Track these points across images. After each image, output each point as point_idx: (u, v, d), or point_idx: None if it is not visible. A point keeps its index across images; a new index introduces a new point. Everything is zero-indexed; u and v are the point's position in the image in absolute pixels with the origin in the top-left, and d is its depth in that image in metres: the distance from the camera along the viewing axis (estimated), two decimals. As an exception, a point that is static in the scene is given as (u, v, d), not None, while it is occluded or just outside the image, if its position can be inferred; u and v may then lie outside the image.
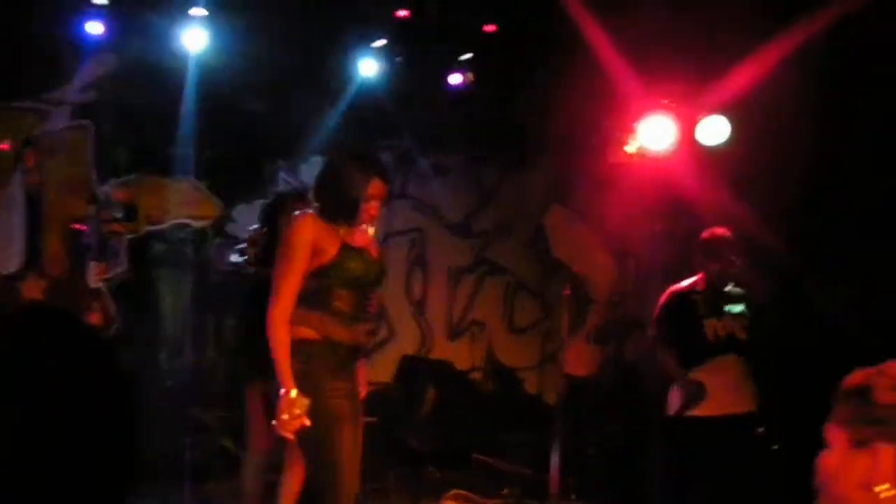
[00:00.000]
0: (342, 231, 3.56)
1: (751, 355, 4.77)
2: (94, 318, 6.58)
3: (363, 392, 3.76)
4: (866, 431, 1.54)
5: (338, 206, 3.53)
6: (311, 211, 3.57)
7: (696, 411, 4.69)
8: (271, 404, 4.38)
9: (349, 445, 3.47)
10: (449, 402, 7.22)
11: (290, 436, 3.36)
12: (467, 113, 7.07)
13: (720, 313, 4.77)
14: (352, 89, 6.85)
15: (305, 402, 3.34)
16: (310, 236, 3.47)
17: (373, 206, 3.55)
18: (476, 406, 7.32)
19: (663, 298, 4.95)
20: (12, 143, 6.40)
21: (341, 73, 6.82)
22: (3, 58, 6.20)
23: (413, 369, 7.35)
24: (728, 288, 4.84)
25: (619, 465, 6.23)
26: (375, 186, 3.55)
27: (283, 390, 3.37)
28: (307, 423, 3.34)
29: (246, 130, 6.80)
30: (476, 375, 7.57)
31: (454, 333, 7.58)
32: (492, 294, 7.66)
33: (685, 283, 4.92)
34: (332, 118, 6.83)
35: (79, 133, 6.59)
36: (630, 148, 6.27)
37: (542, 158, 7.48)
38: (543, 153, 7.44)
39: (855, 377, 1.60)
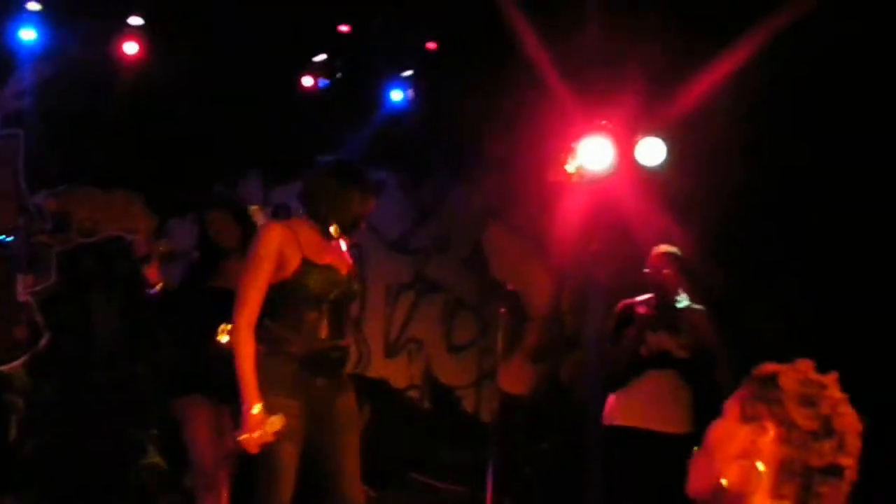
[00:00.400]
0: (311, 244, 3.52)
1: (689, 374, 4.80)
2: (20, 332, 6.42)
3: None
4: (759, 408, 1.61)
5: (337, 218, 3.54)
6: (277, 221, 3.61)
7: (623, 420, 4.73)
8: (214, 421, 4.31)
9: (287, 464, 3.40)
10: (385, 421, 7.16)
11: (255, 451, 3.30)
12: (407, 129, 7.06)
13: (657, 328, 4.82)
14: (291, 103, 6.80)
15: (275, 418, 3.29)
16: (276, 246, 3.42)
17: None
18: (412, 424, 7.28)
19: (616, 309, 5.01)
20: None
21: (280, 86, 6.76)
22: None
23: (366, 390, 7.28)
24: (682, 304, 4.88)
25: (553, 482, 6.24)
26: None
27: (248, 406, 3.29)
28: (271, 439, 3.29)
29: (183, 143, 6.70)
30: (413, 393, 7.53)
31: (391, 351, 7.54)
32: (430, 311, 7.64)
33: (640, 297, 4.97)
34: (270, 132, 6.76)
35: (10, 142, 6.42)
36: (570, 167, 6.31)
37: (480, 176, 7.50)
38: (482, 171, 7.46)
39: (767, 366, 1.66)
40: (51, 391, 6.41)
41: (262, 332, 3.44)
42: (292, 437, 3.40)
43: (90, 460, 5.97)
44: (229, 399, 4.01)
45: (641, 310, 4.89)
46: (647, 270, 4.92)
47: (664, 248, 4.92)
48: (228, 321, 4.22)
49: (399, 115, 7.03)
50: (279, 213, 5.92)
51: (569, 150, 6.33)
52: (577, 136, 6.26)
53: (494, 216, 7.72)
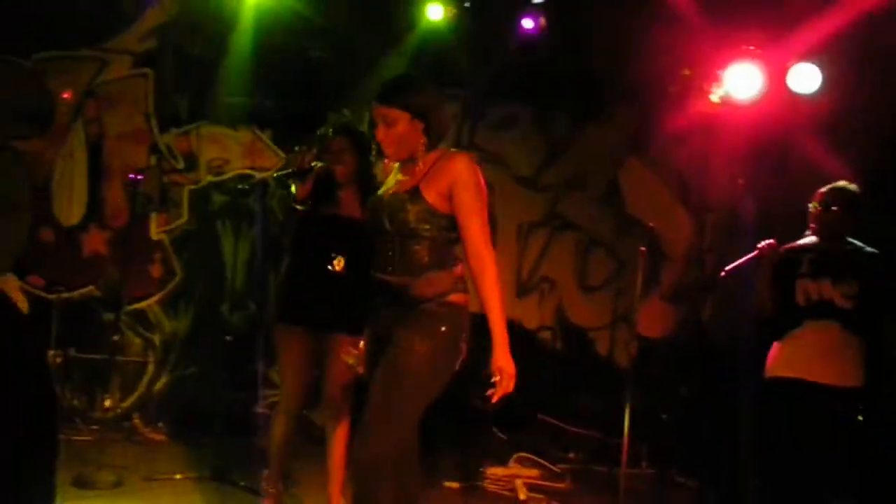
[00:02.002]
0: (387, 171, 3.44)
1: (855, 325, 4.31)
2: (155, 270, 6.52)
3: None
4: None
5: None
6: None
7: (788, 372, 4.32)
8: (310, 350, 4.21)
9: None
10: (515, 362, 6.98)
11: None
12: (539, 60, 6.73)
13: (818, 275, 4.34)
14: (418, 35, 6.59)
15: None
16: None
17: (376, 138, 3.33)
18: (544, 366, 7.07)
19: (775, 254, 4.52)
20: (73, 93, 6.30)
21: (407, 17, 6.55)
22: (63, 7, 6.09)
23: (479, 328, 7.11)
24: (852, 248, 4.39)
25: (693, 431, 5.94)
26: (375, 114, 3.31)
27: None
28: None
29: (308, 78, 6.60)
30: (544, 335, 7.32)
31: (523, 291, 7.33)
32: (562, 251, 7.37)
33: (802, 241, 4.51)
34: (397, 65, 6.57)
35: (139, 82, 6.46)
36: (714, 97, 5.92)
37: (617, 109, 7.14)
38: (619, 103, 7.09)
39: None
40: (184, 327, 6.52)
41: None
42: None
43: (220, 394, 6.04)
44: (334, 328, 4.08)
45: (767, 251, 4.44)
46: (812, 207, 4.42)
47: (841, 183, 4.40)
48: (341, 250, 4.14)
49: (530, 46, 6.70)
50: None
51: (713, 78, 5.96)
52: (723, 63, 5.86)
53: (632, 150, 7.33)
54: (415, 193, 3.26)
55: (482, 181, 3.28)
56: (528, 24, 6.66)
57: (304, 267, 4.21)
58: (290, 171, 4.20)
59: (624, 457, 5.18)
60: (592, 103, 7.13)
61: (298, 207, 4.22)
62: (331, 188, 4.22)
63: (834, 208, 4.36)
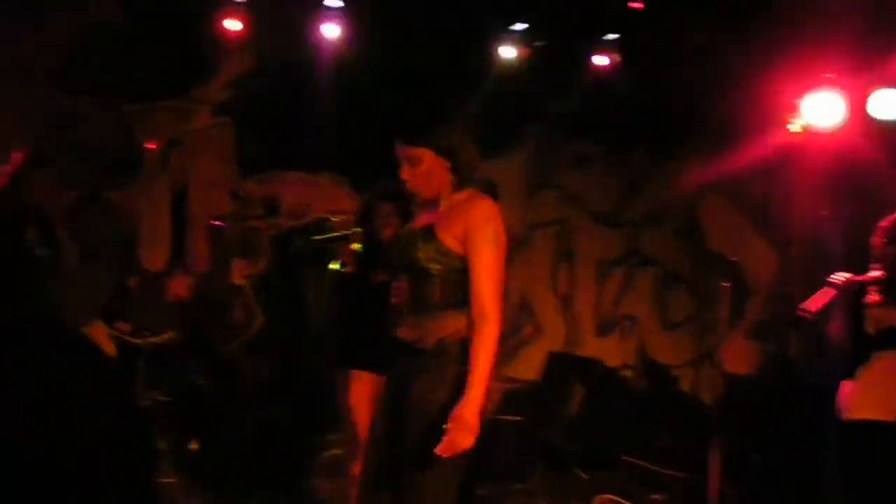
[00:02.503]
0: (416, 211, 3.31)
1: None
2: (237, 315, 6.64)
3: None
4: None
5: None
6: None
7: (861, 413, 4.18)
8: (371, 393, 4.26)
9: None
10: (597, 401, 6.91)
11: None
12: (613, 97, 6.70)
13: (888, 305, 4.22)
14: (492, 75, 6.63)
15: None
16: None
17: (402, 177, 3.18)
18: (626, 405, 6.96)
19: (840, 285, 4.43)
20: (157, 143, 6.50)
21: (481, 58, 6.60)
22: (148, 59, 6.29)
23: (560, 366, 7.07)
24: None
25: (785, 473, 5.75)
26: (398, 153, 3.20)
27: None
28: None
29: (384, 122, 6.67)
30: (626, 373, 7.20)
31: (603, 329, 7.25)
32: (642, 287, 7.28)
33: (870, 274, 4.40)
34: (472, 106, 6.61)
35: (220, 130, 6.63)
36: (794, 126, 5.81)
37: (693, 143, 7.05)
38: (695, 137, 7.00)
39: None
40: (266, 371, 6.59)
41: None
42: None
43: (304, 437, 6.08)
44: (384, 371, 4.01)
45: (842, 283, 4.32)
46: (876, 239, 4.31)
47: None
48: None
49: (604, 83, 6.69)
50: (483, 189, 5.73)
51: (792, 108, 5.85)
52: (801, 92, 5.75)
53: (711, 184, 7.22)
54: (428, 231, 3.11)
55: (501, 229, 3.08)
56: (601, 60, 6.66)
57: (360, 316, 4.32)
58: (331, 235, 4.37)
59: (711, 499, 5.05)
60: (669, 137, 7.07)
61: (341, 269, 4.40)
62: (378, 250, 4.36)
63: None
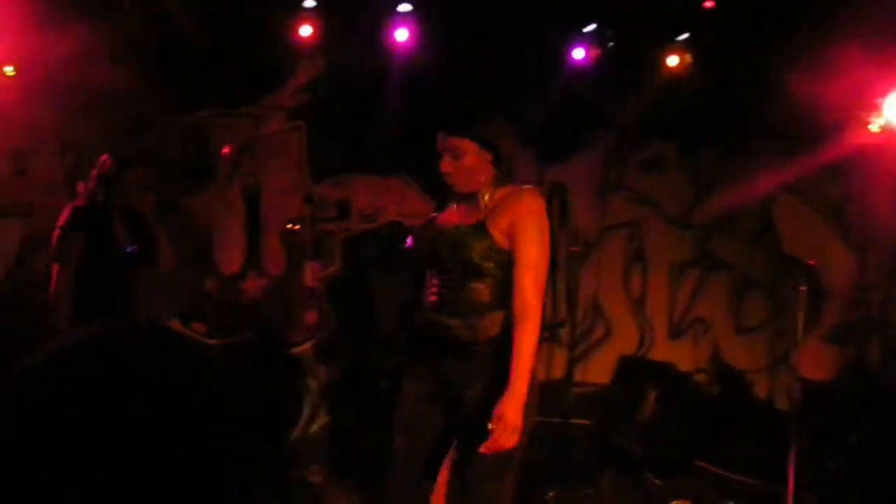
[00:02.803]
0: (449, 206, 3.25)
1: None
2: (311, 317, 6.72)
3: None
4: None
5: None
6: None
7: None
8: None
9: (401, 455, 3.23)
10: (670, 406, 6.81)
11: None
12: (685, 97, 6.62)
13: None
14: (562, 78, 6.60)
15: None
16: None
17: (441, 168, 3.14)
18: (699, 410, 6.86)
19: None
20: (231, 149, 6.61)
21: (551, 61, 6.58)
22: (220, 67, 6.41)
23: (631, 370, 7.00)
24: None
25: (866, 481, 5.61)
26: (437, 142, 3.20)
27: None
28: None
29: (455, 128, 6.69)
30: (700, 377, 7.10)
31: (676, 332, 7.16)
32: (716, 290, 7.16)
33: None
34: (543, 109, 6.59)
35: (293, 135, 6.72)
36: (874, 126, 5.67)
37: (767, 144, 6.92)
38: (769, 138, 6.88)
39: None
40: (338, 373, 6.66)
41: None
42: (401, 423, 3.20)
43: (375, 438, 6.11)
44: None
45: None
46: None
47: None
48: None
49: (676, 82, 6.62)
50: (554, 191, 5.70)
51: (872, 107, 5.72)
52: (882, 92, 5.62)
53: (786, 185, 7.09)
54: (479, 228, 3.06)
55: (545, 221, 3.07)
56: (672, 61, 6.59)
57: None
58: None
59: (788, 506, 4.94)
60: (742, 138, 6.95)
61: None
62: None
63: None
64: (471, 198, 3.14)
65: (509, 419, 2.90)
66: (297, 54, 6.52)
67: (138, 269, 4.87)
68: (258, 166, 6.67)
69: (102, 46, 5.96)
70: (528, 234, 3.02)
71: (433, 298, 3.10)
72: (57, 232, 4.70)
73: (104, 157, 4.81)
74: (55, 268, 4.78)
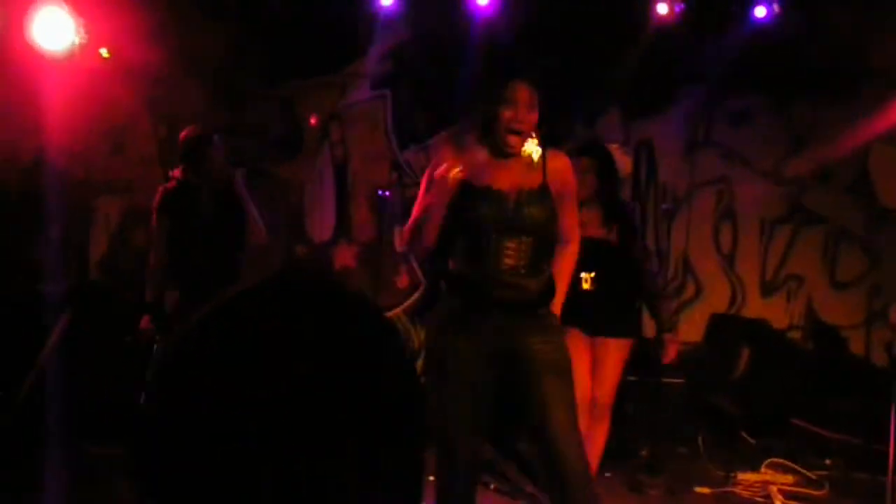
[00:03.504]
0: (475, 165, 3.19)
1: None
2: (403, 282, 6.83)
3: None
4: None
5: (480, 123, 3.22)
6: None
7: None
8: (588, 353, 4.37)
9: (448, 407, 3.18)
10: (764, 364, 6.74)
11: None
12: (774, 48, 6.46)
13: None
14: (648, 32, 6.50)
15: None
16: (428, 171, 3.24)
17: (512, 117, 3.14)
18: (794, 368, 6.77)
19: None
20: (319, 118, 6.72)
21: (636, 15, 6.49)
22: (305, 36, 6.50)
23: (724, 328, 6.93)
24: None
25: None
26: (513, 90, 3.18)
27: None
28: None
29: (541, 87, 6.66)
30: (794, 335, 7.00)
31: (768, 289, 7.06)
32: (809, 246, 7.02)
33: None
34: (628, 65, 6.51)
35: (378, 103, 6.79)
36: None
37: (861, 94, 6.71)
38: (863, 87, 6.67)
39: None
40: (424, 335, 6.76)
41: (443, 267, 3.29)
42: (456, 379, 3.16)
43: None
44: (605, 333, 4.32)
45: None
46: None
47: None
48: (588, 269, 4.21)
49: (765, 33, 6.46)
50: (640, 148, 5.65)
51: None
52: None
53: (881, 136, 6.88)
54: (544, 192, 3.20)
55: None
56: (760, 12, 6.43)
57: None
58: None
59: (891, 464, 4.87)
60: (835, 89, 6.76)
61: None
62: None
63: None
64: (507, 157, 3.20)
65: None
66: (380, 22, 6.56)
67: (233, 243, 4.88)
68: (346, 135, 6.77)
69: (190, 19, 6.11)
70: (574, 191, 3.35)
71: (510, 261, 3.15)
72: (153, 215, 4.79)
73: (182, 134, 4.83)
74: (151, 251, 4.86)
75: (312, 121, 6.72)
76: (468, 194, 3.15)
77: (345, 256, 6.77)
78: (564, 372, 3.20)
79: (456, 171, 3.11)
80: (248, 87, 6.56)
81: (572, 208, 3.35)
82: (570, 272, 3.39)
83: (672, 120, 7.01)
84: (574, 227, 3.38)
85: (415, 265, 6.82)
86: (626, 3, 6.49)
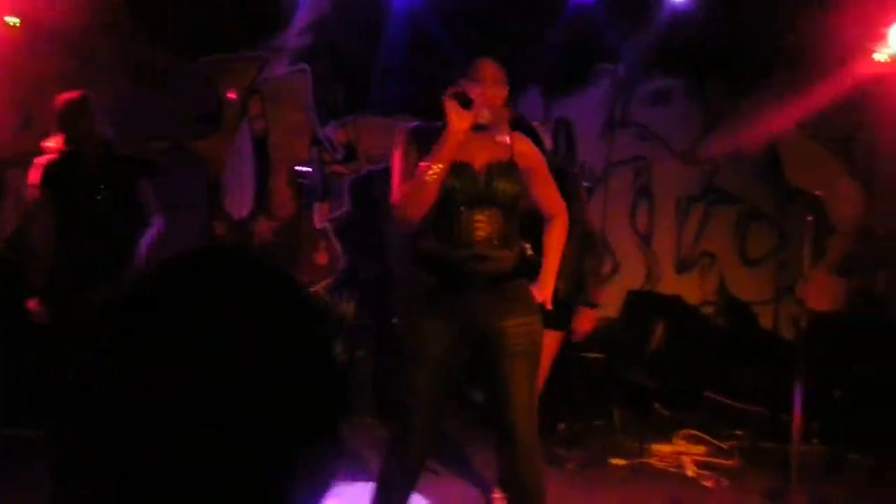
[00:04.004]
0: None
1: None
2: (321, 258, 6.79)
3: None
4: None
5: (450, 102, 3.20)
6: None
7: None
8: None
9: (416, 391, 3.23)
10: (678, 338, 6.92)
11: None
12: (691, 30, 6.59)
13: None
14: (567, 12, 6.57)
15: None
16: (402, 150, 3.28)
17: (480, 92, 3.16)
18: (707, 342, 6.96)
19: None
20: (238, 93, 6.61)
21: (555, -2, 6.55)
22: (223, 9, 6.38)
23: (640, 304, 7.08)
24: None
25: (869, 410, 5.72)
26: (480, 68, 3.23)
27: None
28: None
29: (459, 63, 6.67)
30: (707, 310, 7.19)
31: (683, 266, 7.22)
32: (722, 223, 7.21)
33: None
34: (549, 45, 6.57)
35: (298, 77, 6.71)
36: (881, 56, 5.65)
37: (774, 76, 6.89)
38: (776, 70, 6.85)
39: None
40: (351, 312, 6.75)
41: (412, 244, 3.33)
42: (426, 363, 3.22)
43: (388, 376, 6.23)
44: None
45: None
46: None
47: None
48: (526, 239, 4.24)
49: (681, 16, 6.58)
50: (560, 127, 5.71)
51: (880, 37, 5.68)
52: (889, 21, 5.58)
53: (792, 117, 7.08)
54: (513, 167, 3.29)
55: None
56: (679, -6, 6.55)
57: None
58: None
59: (795, 433, 5.05)
60: (749, 71, 6.92)
61: None
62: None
63: None
64: (479, 130, 3.22)
65: (548, 295, 3.40)
66: (302, -4, 6.48)
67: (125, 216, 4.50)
68: (266, 110, 6.68)
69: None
70: (546, 168, 3.45)
71: (482, 233, 3.20)
72: (34, 191, 4.32)
73: (56, 101, 4.44)
74: (34, 229, 4.47)
75: (231, 95, 6.61)
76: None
77: (263, 232, 6.70)
78: (533, 354, 3.29)
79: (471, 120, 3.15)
80: (166, 62, 6.42)
81: (549, 182, 3.45)
82: (560, 247, 3.48)
83: (590, 100, 7.10)
84: (555, 198, 3.48)
85: (334, 241, 6.79)
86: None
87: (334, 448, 1.10)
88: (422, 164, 3.16)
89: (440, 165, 3.12)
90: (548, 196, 3.46)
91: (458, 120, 3.12)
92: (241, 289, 1.07)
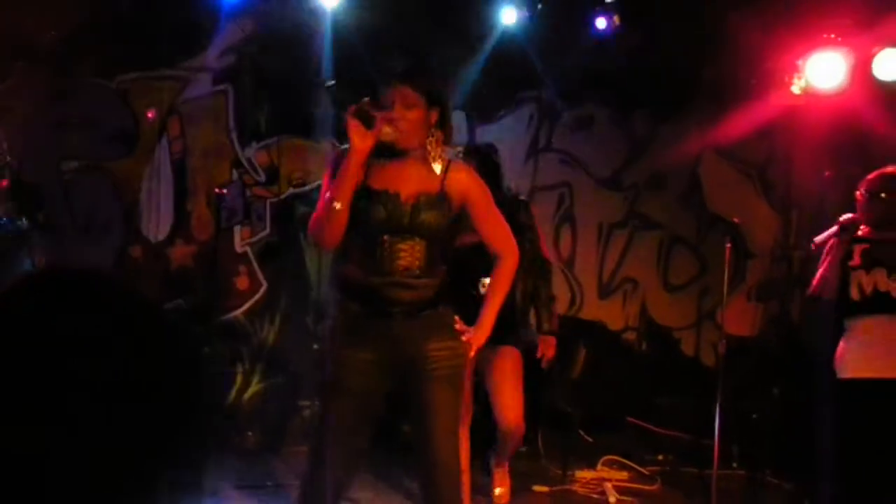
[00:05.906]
0: (377, 169, 3.16)
1: None
2: (240, 282, 6.65)
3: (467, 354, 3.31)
4: None
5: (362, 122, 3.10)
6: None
7: (855, 372, 4.21)
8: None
9: (337, 422, 3.17)
10: (601, 364, 6.94)
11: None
12: (614, 59, 6.67)
13: (871, 266, 4.22)
14: (492, 39, 6.59)
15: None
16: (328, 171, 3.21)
17: (391, 115, 3.07)
18: (629, 367, 7.01)
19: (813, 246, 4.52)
20: (156, 112, 6.46)
21: (481, 22, 6.56)
22: (142, 28, 6.24)
23: (562, 329, 7.06)
24: None
25: (786, 432, 5.80)
26: (389, 89, 3.12)
27: None
28: None
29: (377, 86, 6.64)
30: (629, 335, 7.24)
31: (605, 292, 7.27)
32: (644, 250, 7.29)
33: (833, 229, 4.39)
34: (473, 70, 6.58)
35: (219, 99, 6.59)
36: (795, 87, 5.79)
37: (695, 105, 7.02)
38: (697, 99, 6.97)
39: None
40: (271, 337, 6.62)
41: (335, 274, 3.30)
42: (347, 392, 3.17)
43: (310, 406, 6.11)
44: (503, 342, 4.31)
45: (834, 242, 4.31)
46: (859, 194, 4.30)
47: (890, 169, 4.27)
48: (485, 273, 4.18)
49: (605, 45, 6.65)
50: (481, 151, 5.69)
51: (794, 69, 5.83)
52: (803, 53, 5.72)
53: (712, 146, 7.21)
54: (442, 197, 3.19)
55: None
56: (601, 23, 6.62)
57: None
58: None
59: (715, 458, 5.09)
60: (670, 100, 7.03)
61: None
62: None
63: (883, 195, 4.22)
64: (402, 155, 3.16)
65: (482, 338, 3.30)
66: (223, 16, 6.37)
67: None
68: (184, 130, 6.54)
69: (22, 3, 5.79)
70: (490, 199, 3.31)
71: (404, 262, 3.14)
72: None
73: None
74: None
75: (150, 115, 6.45)
76: (364, 196, 3.11)
77: (182, 256, 6.54)
78: (455, 378, 3.22)
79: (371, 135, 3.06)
80: (80, 78, 6.24)
81: (491, 215, 3.30)
82: (504, 290, 3.33)
83: (515, 125, 7.12)
84: (504, 238, 3.33)
85: (255, 265, 6.65)
86: (473, 10, 6.55)
87: (188, 477, 1.03)
88: (329, 188, 3.12)
89: (342, 189, 3.06)
90: (492, 232, 3.31)
91: (359, 139, 3.04)
92: (80, 311, 1.01)
